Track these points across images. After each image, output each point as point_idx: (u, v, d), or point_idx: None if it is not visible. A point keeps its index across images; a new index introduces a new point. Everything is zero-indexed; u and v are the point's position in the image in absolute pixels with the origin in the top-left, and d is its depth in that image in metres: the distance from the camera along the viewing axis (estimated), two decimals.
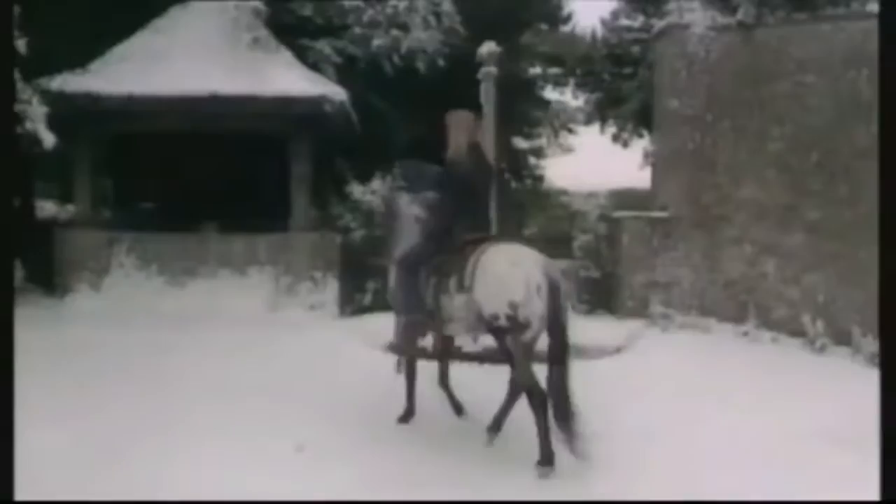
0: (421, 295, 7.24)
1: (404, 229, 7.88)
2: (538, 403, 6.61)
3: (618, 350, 11.45)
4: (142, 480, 5.91)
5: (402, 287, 7.49)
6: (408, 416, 7.85)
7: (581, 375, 9.00)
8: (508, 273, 6.63)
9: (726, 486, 6.16)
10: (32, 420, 7.15)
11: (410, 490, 5.96)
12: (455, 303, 6.95)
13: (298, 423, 7.47)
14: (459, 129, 7.61)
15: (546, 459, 6.55)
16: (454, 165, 7.45)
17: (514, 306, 6.53)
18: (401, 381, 8.17)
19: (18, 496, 5.53)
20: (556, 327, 6.76)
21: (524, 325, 6.62)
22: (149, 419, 7.45)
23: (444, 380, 8.08)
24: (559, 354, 6.79)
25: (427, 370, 8.02)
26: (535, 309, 6.58)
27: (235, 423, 7.43)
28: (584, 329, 11.75)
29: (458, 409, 8.04)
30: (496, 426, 7.21)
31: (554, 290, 6.66)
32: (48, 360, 9.58)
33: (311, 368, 8.35)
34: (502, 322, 6.65)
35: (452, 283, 6.92)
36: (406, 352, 7.92)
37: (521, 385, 6.91)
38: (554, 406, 6.61)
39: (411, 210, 7.93)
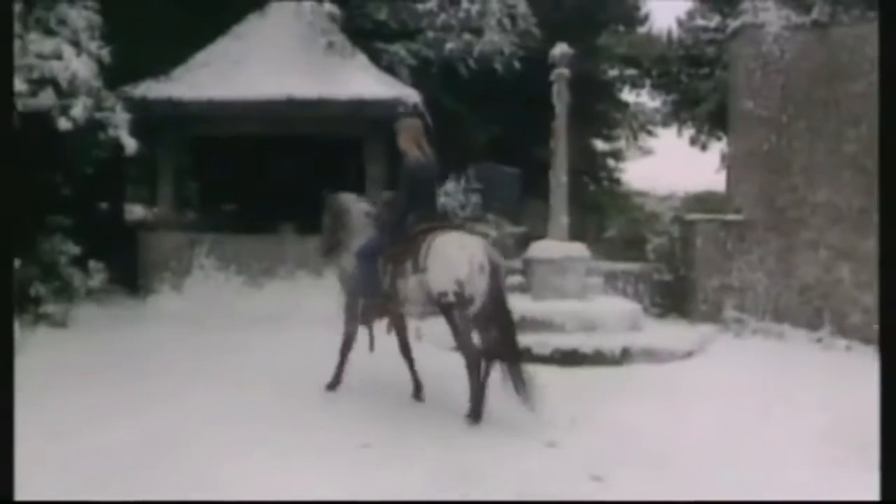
0: (378, 280, 8.07)
1: (356, 225, 8.62)
2: (476, 366, 7.63)
3: (689, 354, 11.30)
4: (205, 476, 5.99)
5: (362, 274, 8.21)
6: (335, 385, 8.64)
7: (650, 378, 9.00)
8: (456, 255, 7.56)
9: (791, 492, 6.09)
10: (104, 417, 7.39)
11: (474, 487, 6.00)
12: (410, 284, 7.81)
13: (364, 421, 7.55)
14: (408, 135, 8.29)
15: (475, 415, 7.62)
16: (407, 167, 8.12)
17: (460, 283, 7.48)
18: (452, 382, 8.52)
19: (102, 487, 5.71)
20: (499, 299, 7.74)
21: (469, 301, 7.56)
22: (214, 417, 7.55)
23: (406, 351, 8.71)
24: (504, 323, 7.78)
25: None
26: (479, 286, 7.55)
27: (301, 420, 7.53)
28: (655, 332, 11.72)
29: (417, 388, 8.57)
30: (477, 413, 7.71)
31: (495, 269, 7.67)
32: (125, 359, 9.84)
33: (378, 368, 8.41)
34: (450, 298, 7.54)
35: (408, 267, 7.79)
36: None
37: (466, 352, 7.71)
38: (508, 367, 7.69)
39: (360, 206, 8.75)
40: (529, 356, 10.52)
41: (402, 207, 8.11)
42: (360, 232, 8.49)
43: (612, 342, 10.93)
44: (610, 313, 11.83)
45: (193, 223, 16.63)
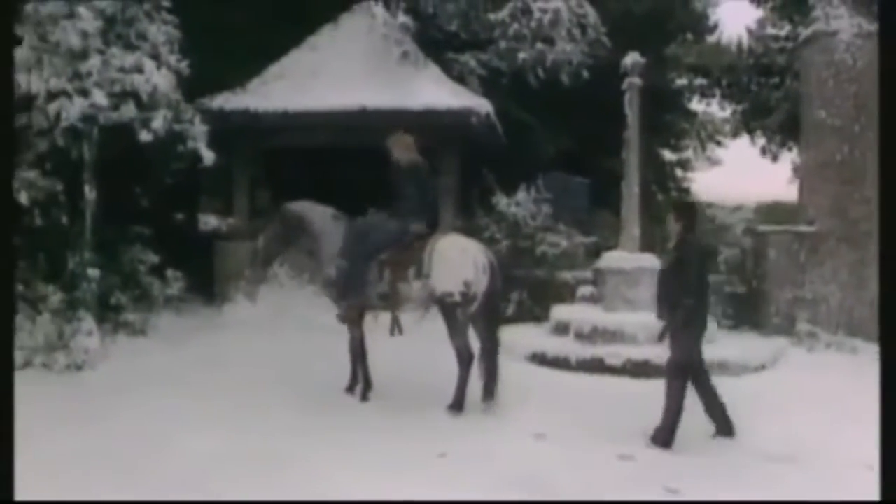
0: (366, 282, 8.49)
1: (322, 229, 8.99)
2: (467, 362, 8.32)
3: (761, 368, 11.19)
4: (289, 484, 6.10)
5: (353, 274, 8.55)
6: (353, 386, 9.02)
7: (723, 391, 8.90)
8: (460, 258, 8.24)
9: None
10: (189, 424, 7.53)
11: (547, 499, 6.06)
12: (413, 288, 8.37)
13: (440, 430, 7.64)
14: (404, 147, 8.91)
15: (458, 406, 8.25)
16: (407, 177, 8.71)
17: (467, 284, 8.16)
18: (541, 389, 9.05)
19: (189, 494, 5.85)
20: (495, 298, 8.55)
21: (472, 299, 8.23)
22: (294, 425, 7.69)
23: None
24: (496, 320, 8.69)
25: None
26: (482, 285, 8.24)
27: (378, 429, 7.64)
28: (727, 345, 11.60)
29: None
30: (459, 405, 8.30)
31: (494, 271, 8.37)
32: (205, 367, 10.00)
33: (450, 378, 8.47)
34: (456, 298, 8.19)
35: (411, 272, 8.37)
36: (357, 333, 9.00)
37: (461, 348, 8.35)
38: (487, 360, 8.41)
39: (320, 211, 9.21)
40: (601, 367, 10.60)
41: (406, 214, 8.57)
42: (331, 235, 8.89)
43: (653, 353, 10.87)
44: None
45: None
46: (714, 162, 32.76)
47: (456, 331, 8.36)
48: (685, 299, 7.39)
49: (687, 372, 7.58)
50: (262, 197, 17.12)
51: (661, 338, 7.78)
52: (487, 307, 8.41)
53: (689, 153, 32.12)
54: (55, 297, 10.56)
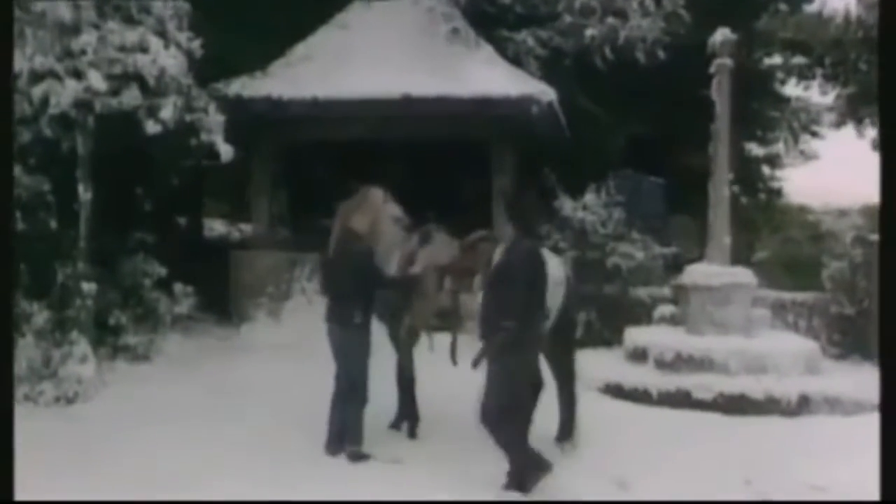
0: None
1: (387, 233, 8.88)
2: (536, 390, 8.12)
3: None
4: None
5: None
6: (399, 421, 9.07)
7: (835, 433, 8.66)
8: None
9: None
10: (198, 469, 7.44)
11: None
12: (478, 299, 7.69)
13: (501, 475, 7.44)
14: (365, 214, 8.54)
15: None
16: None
17: None
18: (619, 427, 9.11)
19: None
20: (570, 314, 8.55)
21: (546, 316, 7.69)
22: (327, 469, 7.73)
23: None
24: (571, 344, 8.65)
25: None
26: (557, 300, 7.85)
27: (429, 473, 7.60)
28: (836, 377, 11.30)
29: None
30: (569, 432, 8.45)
31: (570, 285, 8.23)
32: (221, 399, 9.92)
33: None
34: None
35: (475, 281, 8.06)
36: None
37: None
38: (562, 392, 8.46)
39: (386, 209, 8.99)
40: (688, 401, 10.40)
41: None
42: (388, 237, 8.84)
43: (786, 387, 10.63)
44: (782, 352, 11.47)
45: (292, 240, 16.61)
46: (808, 157, 32.07)
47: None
48: (504, 321, 6.82)
49: (511, 412, 7.08)
50: (280, 199, 16.98)
51: (474, 364, 7.16)
52: (561, 327, 8.13)
53: (778, 147, 31.48)
54: (41, 315, 10.43)
